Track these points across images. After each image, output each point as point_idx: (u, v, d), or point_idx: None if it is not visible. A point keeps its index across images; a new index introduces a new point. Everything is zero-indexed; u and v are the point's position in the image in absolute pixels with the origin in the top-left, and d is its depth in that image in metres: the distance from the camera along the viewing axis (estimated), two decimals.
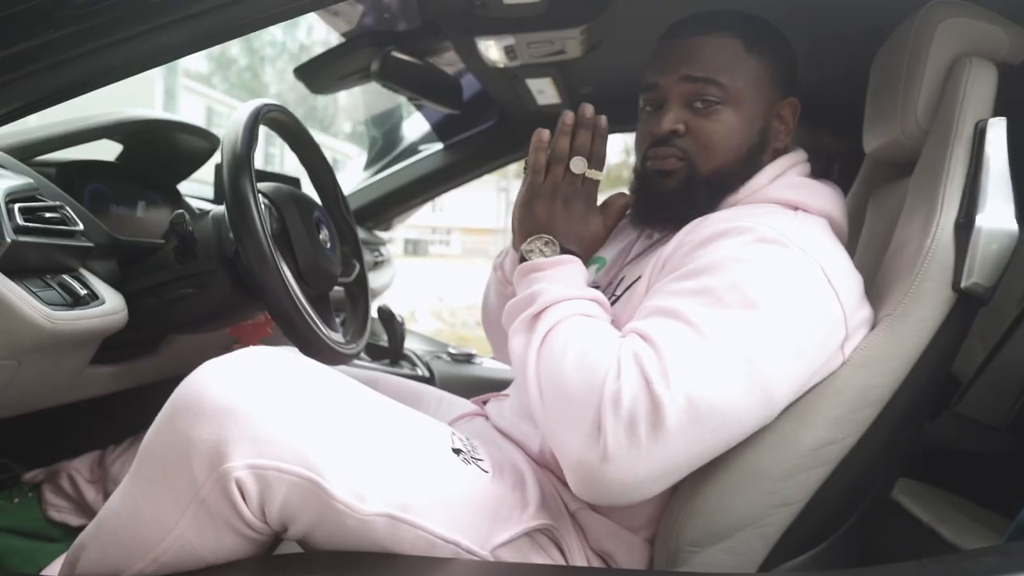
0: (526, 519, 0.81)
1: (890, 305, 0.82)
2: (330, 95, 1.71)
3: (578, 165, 0.91)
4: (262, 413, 0.70)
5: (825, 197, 0.92)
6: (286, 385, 0.73)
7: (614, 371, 0.74)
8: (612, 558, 0.86)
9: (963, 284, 0.78)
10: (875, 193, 1.08)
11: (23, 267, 0.82)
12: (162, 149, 1.24)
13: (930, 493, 1.20)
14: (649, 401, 0.71)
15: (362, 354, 1.74)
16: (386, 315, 1.83)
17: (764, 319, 0.76)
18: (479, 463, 0.82)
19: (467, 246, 22.54)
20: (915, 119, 0.93)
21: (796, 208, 0.90)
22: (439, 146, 2.19)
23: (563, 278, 0.87)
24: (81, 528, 1.14)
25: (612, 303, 0.93)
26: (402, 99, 2.42)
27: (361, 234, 2.11)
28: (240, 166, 0.95)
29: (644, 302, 0.83)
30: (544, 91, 1.83)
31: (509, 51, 1.49)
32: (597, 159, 0.92)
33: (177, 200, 1.29)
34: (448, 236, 24.54)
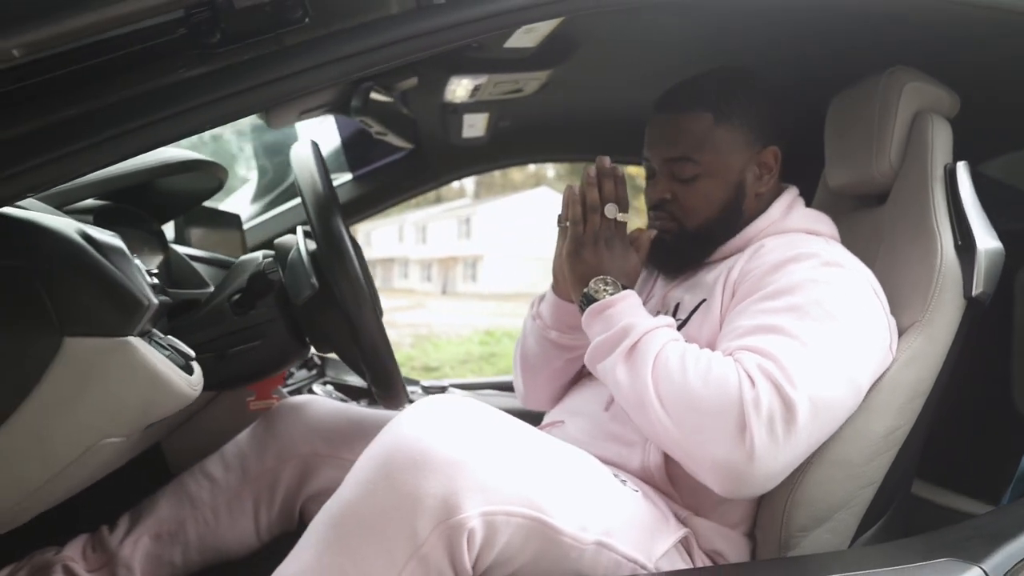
0: (672, 530, 0.88)
1: (914, 313, 1.01)
2: None
3: (611, 211, 1.03)
4: (486, 461, 0.71)
5: (828, 224, 1.12)
6: (496, 432, 0.74)
7: (747, 381, 0.85)
8: (721, 555, 0.96)
9: (974, 293, 0.99)
10: (841, 221, 1.30)
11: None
12: (157, 189, 1.12)
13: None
14: (782, 403, 0.83)
15: (334, 392, 1.67)
16: None
17: (845, 327, 0.91)
18: (627, 485, 0.88)
19: None
20: (888, 161, 1.15)
21: (816, 234, 1.08)
22: (346, 177, 2.14)
23: (635, 310, 0.97)
24: None
25: (680, 325, 1.04)
26: (295, 128, 2.34)
27: None
28: (329, 207, 0.92)
29: (733, 323, 0.95)
30: (475, 125, 1.89)
31: (476, 89, 1.54)
32: (623, 203, 1.04)
33: (164, 245, 1.17)
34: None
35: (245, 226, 2.10)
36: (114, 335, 0.67)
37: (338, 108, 1.50)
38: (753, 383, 0.84)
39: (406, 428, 0.71)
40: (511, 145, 2.09)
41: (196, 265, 1.12)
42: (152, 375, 0.69)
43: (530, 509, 0.72)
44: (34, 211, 0.81)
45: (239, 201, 2.38)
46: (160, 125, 0.71)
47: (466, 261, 24.45)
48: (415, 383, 2.07)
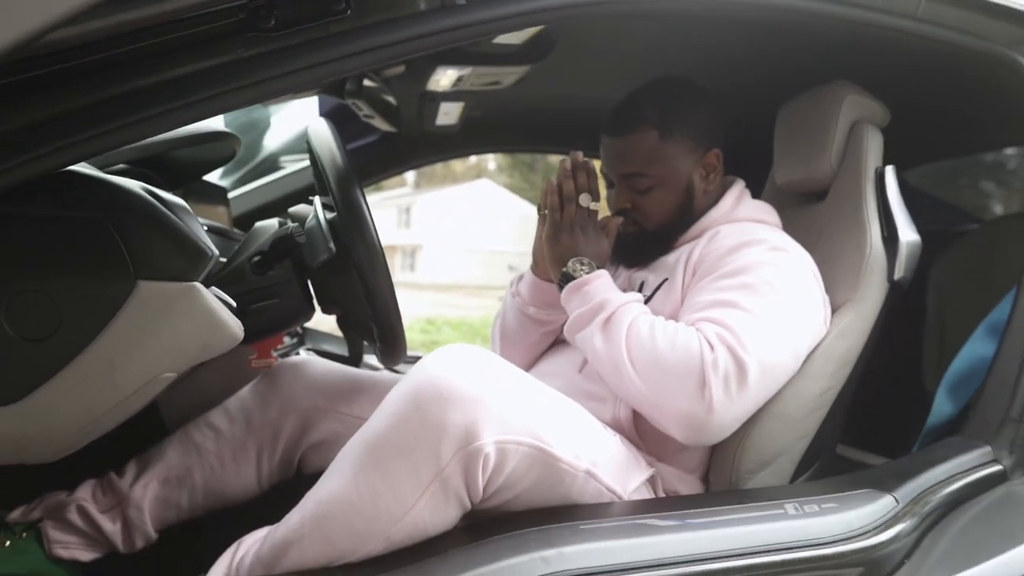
0: (643, 469, 1.03)
1: (847, 292, 1.19)
2: None
3: (585, 200, 1.18)
4: (500, 398, 0.83)
5: (772, 213, 1.28)
6: (507, 375, 0.87)
7: (707, 346, 1.00)
8: (678, 494, 1.11)
9: (896, 277, 1.17)
10: (786, 213, 1.47)
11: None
12: (174, 157, 1.19)
13: None
14: (736, 365, 0.99)
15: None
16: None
17: (788, 303, 1.07)
18: (607, 430, 1.02)
19: None
20: (829, 163, 1.32)
21: (762, 222, 1.24)
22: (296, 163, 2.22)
23: (609, 287, 1.11)
24: (94, 562, 1.10)
25: (645, 301, 1.18)
26: (270, 110, 2.40)
27: None
28: (349, 179, 1.02)
29: (693, 298, 1.10)
30: (450, 113, 1.99)
31: (459, 80, 1.65)
32: (594, 193, 1.19)
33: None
34: None
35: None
36: (182, 280, 0.76)
37: (332, 89, 1.60)
38: (712, 347, 0.99)
39: (433, 368, 0.83)
40: (481, 134, 2.21)
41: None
42: (212, 318, 0.78)
43: (535, 439, 0.84)
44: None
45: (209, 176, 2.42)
46: (219, 99, 0.80)
47: (405, 251, 24.35)
48: None
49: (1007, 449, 1.05)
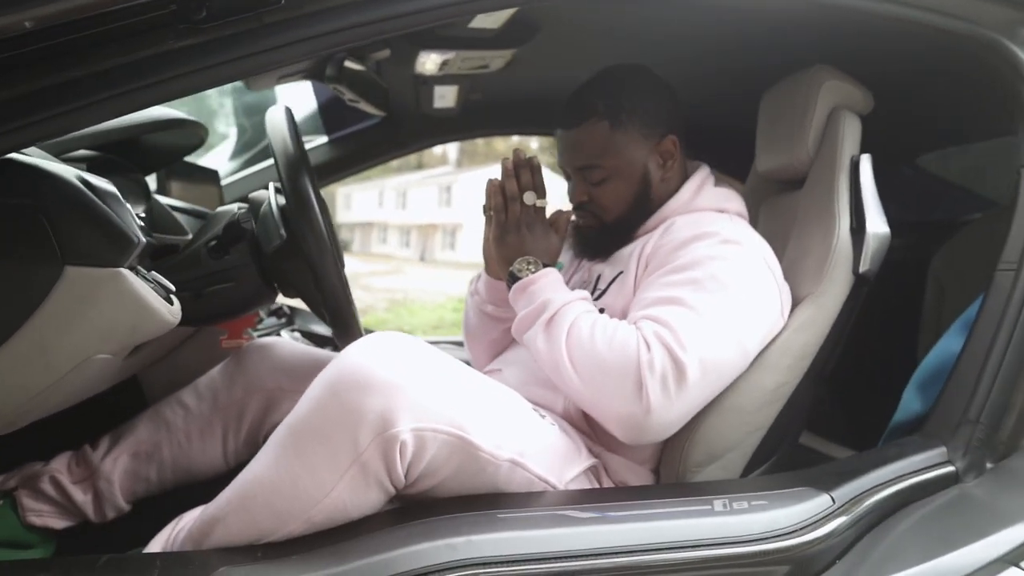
0: (583, 460, 1.03)
1: (811, 286, 1.16)
2: None
3: (530, 198, 1.17)
4: (418, 385, 0.84)
5: (736, 201, 1.25)
6: (430, 363, 0.88)
7: (644, 346, 0.99)
8: (627, 485, 1.11)
9: (861, 270, 1.14)
10: (767, 202, 1.44)
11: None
12: (143, 144, 1.23)
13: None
14: (673, 364, 0.97)
15: (301, 339, 1.80)
16: None
17: (736, 298, 1.05)
18: (545, 419, 1.02)
19: None
20: (806, 151, 1.29)
21: (723, 211, 1.21)
22: (321, 139, 2.25)
23: (554, 286, 1.10)
24: (66, 530, 1.15)
25: (600, 295, 1.17)
26: (275, 91, 2.43)
27: None
28: (297, 167, 1.04)
29: (642, 293, 1.09)
30: (445, 96, 2.00)
31: (444, 64, 1.65)
32: (540, 190, 1.18)
33: (147, 194, 1.28)
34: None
35: (223, 181, 2.21)
36: (108, 266, 0.79)
37: (314, 75, 1.61)
38: (649, 347, 0.98)
39: (353, 355, 0.84)
40: (481, 117, 2.21)
41: (176, 215, 1.23)
42: (139, 302, 0.81)
43: (454, 428, 0.85)
44: (36, 158, 0.92)
45: (218, 157, 2.48)
46: (150, 89, 0.82)
47: (446, 229, 24.47)
48: None
49: (962, 450, 1.02)
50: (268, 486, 0.84)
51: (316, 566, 0.76)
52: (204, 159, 2.65)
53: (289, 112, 1.11)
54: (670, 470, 1.11)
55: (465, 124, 2.24)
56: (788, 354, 1.11)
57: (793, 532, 0.86)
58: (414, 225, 24.66)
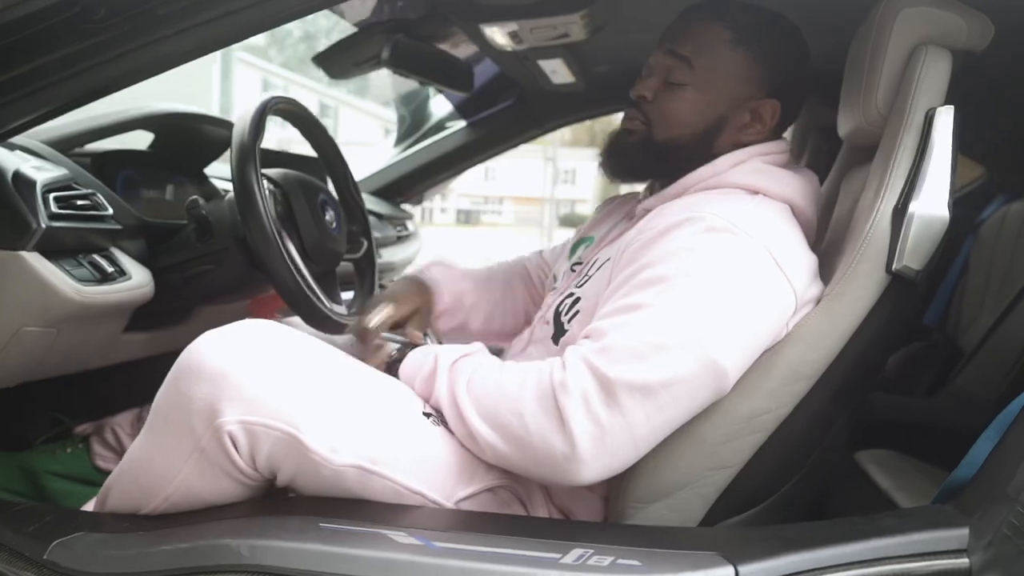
0: (489, 478, 0.90)
1: (831, 284, 0.88)
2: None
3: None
4: (250, 376, 0.80)
5: (788, 183, 0.97)
6: (271, 352, 0.83)
7: (557, 366, 0.83)
8: (572, 513, 0.95)
9: (894, 267, 0.83)
10: (846, 176, 1.12)
11: (59, 248, 0.95)
12: (189, 138, 1.36)
13: (906, 464, 1.24)
14: (596, 381, 0.79)
15: None
16: None
17: (713, 301, 0.82)
18: (448, 425, 0.91)
19: (519, 215, 22.63)
20: (875, 106, 0.96)
21: (756, 193, 0.96)
22: (463, 123, 2.27)
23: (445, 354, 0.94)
24: None
25: (584, 281, 1.00)
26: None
27: (386, 209, 2.23)
28: (246, 156, 1.05)
29: (610, 298, 0.89)
30: (557, 71, 1.88)
31: (514, 36, 1.55)
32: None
33: (203, 183, 1.41)
34: (500, 205, 24.66)
35: (381, 167, 2.35)
36: (11, 249, 0.88)
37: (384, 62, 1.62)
38: (564, 366, 0.82)
39: (196, 343, 0.83)
40: (610, 90, 2.03)
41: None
42: (40, 283, 0.90)
43: (285, 424, 0.80)
44: (38, 149, 1.07)
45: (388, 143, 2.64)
46: (59, 86, 0.90)
47: None
48: None
49: (988, 537, 0.68)
50: (134, 463, 0.87)
51: (127, 545, 0.78)
52: (379, 147, 2.86)
53: (266, 103, 1.13)
54: (612, 502, 0.92)
55: (597, 100, 2.09)
56: (772, 374, 0.85)
57: None
58: None
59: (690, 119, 0.99)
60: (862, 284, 0.85)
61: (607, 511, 0.95)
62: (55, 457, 1.33)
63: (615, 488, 0.92)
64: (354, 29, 1.56)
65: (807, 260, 0.91)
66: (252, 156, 1.06)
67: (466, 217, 22.04)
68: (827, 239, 1.08)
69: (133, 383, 1.49)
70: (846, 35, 1.10)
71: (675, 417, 0.83)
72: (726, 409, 0.86)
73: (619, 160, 1.06)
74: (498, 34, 1.54)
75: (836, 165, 1.20)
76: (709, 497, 0.87)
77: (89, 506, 0.99)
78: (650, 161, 1.02)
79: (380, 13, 1.52)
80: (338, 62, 1.60)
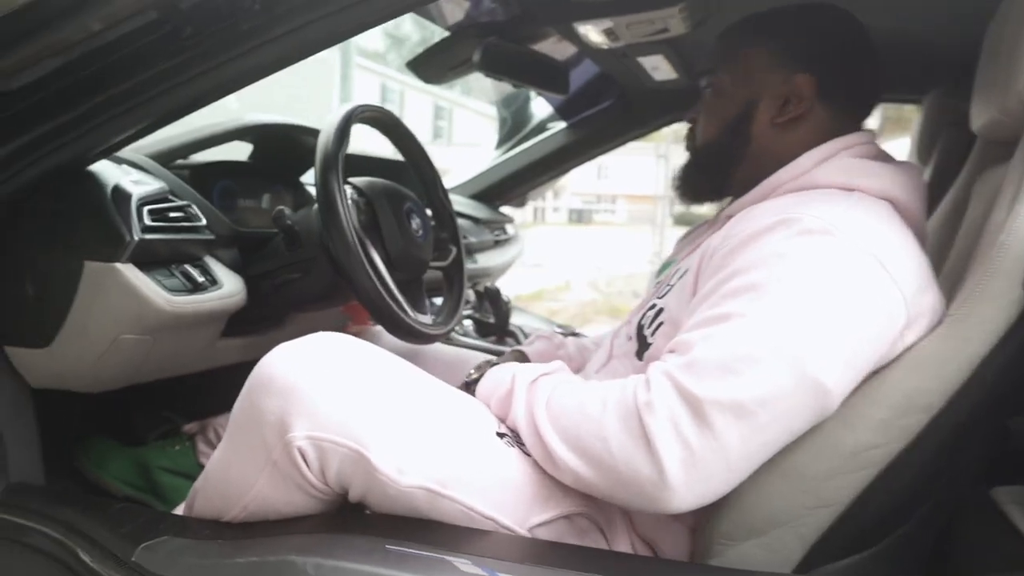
0: (566, 504, 0.85)
1: (956, 303, 0.77)
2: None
3: None
4: (319, 391, 0.80)
5: (887, 178, 0.87)
6: (342, 367, 0.82)
7: (642, 385, 0.77)
8: (656, 545, 0.89)
9: None
10: (979, 176, 0.99)
11: (153, 259, 0.99)
12: (286, 147, 1.39)
13: None
14: (683, 401, 0.73)
15: (471, 331, 1.85)
16: (492, 294, 1.91)
17: (810, 312, 0.74)
18: (523, 447, 0.87)
19: (632, 214, 22.26)
20: (1018, 95, 0.84)
21: (852, 190, 0.86)
22: (563, 125, 2.22)
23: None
24: None
25: (666, 292, 0.94)
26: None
27: (484, 213, 2.21)
28: (329, 166, 1.06)
29: (697, 308, 0.82)
30: (659, 67, 1.80)
31: (609, 33, 1.49)
32: None
33: (299, 192, 1.44)
34: (613, 204, 24.35)
35: (480, 171, 2.35)
36: (107, 261, 0.92)
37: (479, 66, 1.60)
38: (649, 386, 0.76)
39: (270, 356, 0.83)
40: None
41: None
42: (134, 294, 0.93)
43: (352, 441, 0.78)
44: (141, 162, 1.12)
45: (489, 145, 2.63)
46: (153, 101, 0.93)
47: None
48: (552, 324, 2.11)
49: None
50: (215, 471, 0.89)
51: (207, 554, 0.80)
52: (480, 149, 2.85)
53: (351, 111, 1.13)
54: (701, 536, 0.85)
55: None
56: (882, 404, 0.75)
57: None
58: None
59: (715, 120, 0.99)
60: (993, 303, 0.73)
61: (694, 544, 0.88)
62: (165, 453, 1.40)
63: (701, 521, 0.85)
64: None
65: (917, 262, 0.80)
66: (335, 165, 1.06)
67: (578, 216, 21.91)
68: (954, 250, 0.96)
69: (233, 386, 1.55)
70: (983, 18, 0.97)
71: (773, 440, 0.75)
72: (828, 440, 0.77)
73: (682, 183, 1.06)
74: (592, 32, 1.49)
75: (968, 164, 1.07)
76: (808, 538, 0.78)
77: (180, 508, 1.02)
78: (695, 177, 1.04)
79: (472, 16, 1.50)
80: (431, 66, 1.59)
